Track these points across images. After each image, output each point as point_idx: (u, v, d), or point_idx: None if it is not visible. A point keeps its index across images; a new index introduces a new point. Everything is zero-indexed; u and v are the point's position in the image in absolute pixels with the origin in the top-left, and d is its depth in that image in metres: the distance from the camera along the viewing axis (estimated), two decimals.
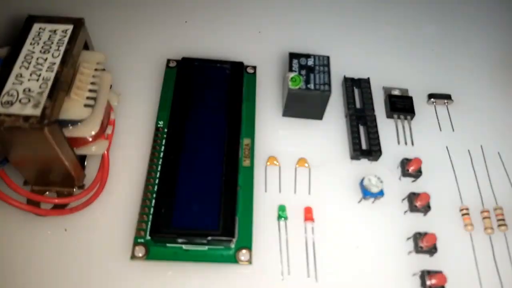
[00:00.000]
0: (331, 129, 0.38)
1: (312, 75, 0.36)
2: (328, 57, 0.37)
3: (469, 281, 0.32)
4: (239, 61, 0.38)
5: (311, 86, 0.35)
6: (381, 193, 0.33)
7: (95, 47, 0.34)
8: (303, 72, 0.36)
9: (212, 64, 0.38)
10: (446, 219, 0.34)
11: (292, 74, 0.35)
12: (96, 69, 0.31)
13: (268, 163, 0.35)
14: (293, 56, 0.37)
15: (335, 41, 0.43)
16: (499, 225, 0.34)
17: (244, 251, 0.31)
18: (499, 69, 0.43)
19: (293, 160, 0.36)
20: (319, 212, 0.33)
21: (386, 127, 0.38)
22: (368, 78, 0.40)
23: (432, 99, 0.40)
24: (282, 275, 0.31)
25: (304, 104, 0.36)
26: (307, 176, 0.35)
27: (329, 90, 0.35)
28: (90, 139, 0.31)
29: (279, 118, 0.38)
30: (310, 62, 0.36)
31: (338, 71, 0.40)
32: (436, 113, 0.40)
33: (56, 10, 0.42)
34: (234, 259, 0.30)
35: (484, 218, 0.34)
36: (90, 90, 0.30)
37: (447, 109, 0.40)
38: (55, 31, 0.31)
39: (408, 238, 0.32)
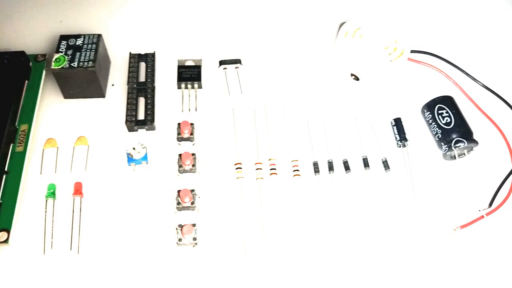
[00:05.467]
0: (113, 105, 0.38)
1: (78, 54, 0.36)
2: (99, 35, 0.37)
3: (234, 227, 0.33)
4: (21, 50, 0.38)
5: (75, 64, 0.35)
6: (144, 158, 0.34)
7: None
8: (70, 52, 0.36)
9: None
10: (220, 175, 0.35)
11: (57, 55, 0.36)
12: None
13: (47, 146, 0.36)
14: (63, 38, 0.37)
15: (141, 20, 0.44)
16: (271, 174, 0.35)
17: (1, 233, 0.31)
18: (285, 31, 0.45)
19: (72, 140, 0.36)
20: (92, 186, 0.34)
21: (175, 96, 0.39)
22: (154, 52, 0.40)
23: (223, 65, 0.41)
24: (44, 250, 0.31)
25: (75, 83, 0.36)
26: (85, 154, 0.36)
27: (93, 67, 0.35)
28: None
29: (62, 101, 0.38)
30: (79, 41, 0.37)
31: (131, 49, 0.41)
32: (226, 78, 0.41)
33: None
34: None
35: (256, 169, 0.36)
36: None
37: (237, 73, 0.41)
38: None
39: (176, 198, 0.33)
